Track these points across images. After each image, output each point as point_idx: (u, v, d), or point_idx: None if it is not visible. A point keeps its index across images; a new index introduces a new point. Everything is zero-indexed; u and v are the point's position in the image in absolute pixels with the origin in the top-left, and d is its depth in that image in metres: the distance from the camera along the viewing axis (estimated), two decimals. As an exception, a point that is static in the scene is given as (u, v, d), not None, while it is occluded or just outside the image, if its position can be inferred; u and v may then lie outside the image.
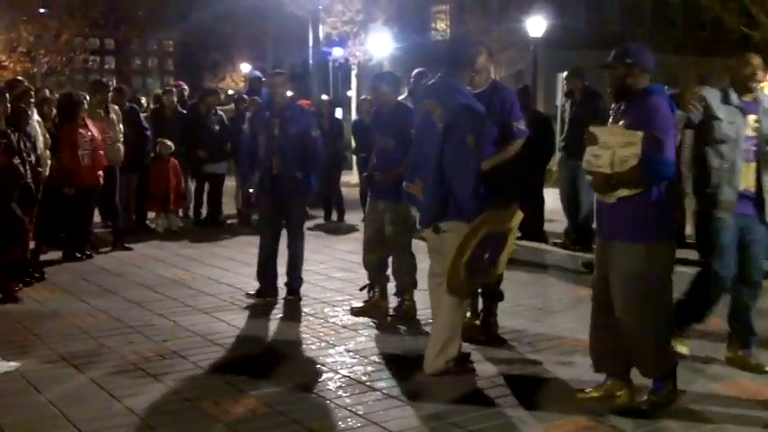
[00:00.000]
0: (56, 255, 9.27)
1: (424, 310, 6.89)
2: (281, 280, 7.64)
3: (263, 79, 13.53)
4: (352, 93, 22.73)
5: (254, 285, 7.74)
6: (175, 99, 12.14)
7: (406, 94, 10.73)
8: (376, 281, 7.06)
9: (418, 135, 5.58)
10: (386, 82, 6.90)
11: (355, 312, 6.98)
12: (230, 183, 12.63)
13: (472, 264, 5.10)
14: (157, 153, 11.33)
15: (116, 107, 10.37)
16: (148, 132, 11.10)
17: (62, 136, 8.89)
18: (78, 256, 9.26)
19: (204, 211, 12.10)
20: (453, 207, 5.26)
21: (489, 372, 5.49)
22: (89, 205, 9.46)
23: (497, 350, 5.94)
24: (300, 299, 7.50)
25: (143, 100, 12.82)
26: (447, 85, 5.41)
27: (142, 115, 11.43)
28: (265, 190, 7.52)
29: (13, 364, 5.52)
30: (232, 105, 13.31)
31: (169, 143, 11.31)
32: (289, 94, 9.68)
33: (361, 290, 7.15)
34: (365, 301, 7.06)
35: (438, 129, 5.25)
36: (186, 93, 13.29)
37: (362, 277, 7.22)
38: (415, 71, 9.88)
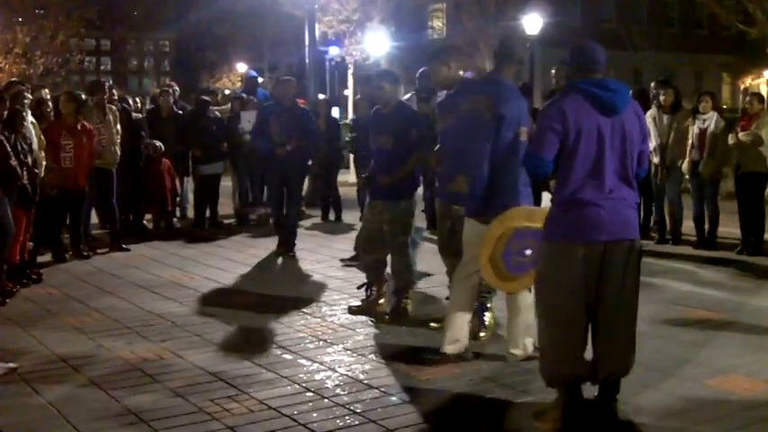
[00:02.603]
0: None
1: (422, 309, 6.91)
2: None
3: (261, 79, 13.57)
4: (348, 92, 22.72)
5: (253, 285, 7.81)
6: (171, 99, 12.12)
7: (411, 94, 10.73)
8: (374, 280, 7.07)
9: (458, 132, 5.67)
10: (388, 80, 6.91)
11: (353, 311, 6.98)
12: (226, 183, 12.62)
13: (509, 258, 5.18)
14: (148, 154, 11.28)
15: (113, 108, 10.36)
16: (142, 132, 11.09)
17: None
18: (66, 257, 9.25)
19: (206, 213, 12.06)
20: (499, 201, 5.36)
21: (486, 369, 5.49)
22: (76, 207, 9.40)
23: (494, 347, 5.95)
24: (293, 254, 9.55)
25: (131, 100, 12.72)
26: (496, 81, 5.56)
27: (137, 115, 11.41)
28: (275, 165, 9.56)
29: (10, 365, 5.52)
30: (228, 105, 13.31)
31: (157, 143, 11.23)
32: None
33: (359, 288, 7.16)
34: (363, 300, 7.07)
35: (487, 120, 5.36)
36: (177, 93, 13.27)
37: (359, 276, 7.23)
38: (421, 70, 9.89)
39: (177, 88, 13.45)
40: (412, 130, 6.63)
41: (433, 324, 6.49)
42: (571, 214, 4.48)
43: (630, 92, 4.60)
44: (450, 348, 5.60)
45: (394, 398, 4.98)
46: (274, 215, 10.09)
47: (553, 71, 10.69)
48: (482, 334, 6.14)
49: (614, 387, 4.65)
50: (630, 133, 4.50)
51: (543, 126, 4.51)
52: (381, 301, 7.05)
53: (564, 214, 4.51)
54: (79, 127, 9.12)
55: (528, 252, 5.22)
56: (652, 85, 10.59)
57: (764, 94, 34.74)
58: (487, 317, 6.26)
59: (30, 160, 7.75)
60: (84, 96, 9.59)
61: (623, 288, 4.51)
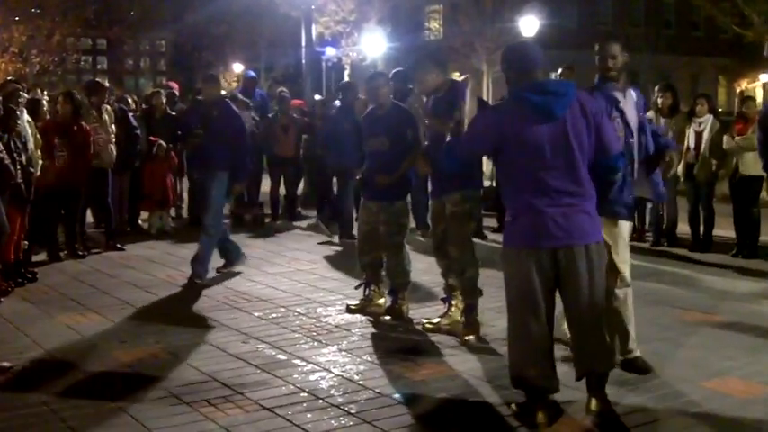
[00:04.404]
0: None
1: (417, 310, 6.91)
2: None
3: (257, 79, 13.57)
4: (345, 93, 22.72)
5: (248, 285, 7.83)
6: (164, 100, 12.09)
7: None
8: (372, 279, 7.08)
9: None
10: (385, 81, 6.98)
11: (351, 310, 6.99)
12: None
13: None
14: (153, 153, 11.31)
15: (109, 108, 10.36)
16: (138, 132, 11.08)
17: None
18: (61, 256, 9.24)
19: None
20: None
21: (480, 369, 5.50)
22: (72, 207, 9.40)
23: (489, 348, 5.95)
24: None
25: (129, 100, 12.71)
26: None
27: (131, 115, 11.40)
28: None
29: (5, 364, 5.50)
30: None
31: (163, 143, 11.32)
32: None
33: (357, 288, 7.16)
34: (361, 299, 7.08)
35: None
36: (177, 95, 13.26)
37: (355, 277, 7.22)
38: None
39: (176, 88, 13.45)
40: (407, 131, 6.68)
41: (428, 324, 6.49)
42: (518, 222, 4.51)
43: (575, 90, 4.47)
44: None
45: (388, 399, 4.98)
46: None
47: (559, 71, 10.78)
48: (468, 337, 6.14)
49: (596, 384, 4.57)
50: (578, 136, 4.39)
51: (475, 123, 4.64)
52: (380, 301, 7.06)
53: (512, 222, 4.55)
54: (75, 127, 9.13)
55: None
56: (656, 88, 10.56)
57: (760, 97, 34.81)
58: (474, 318, 6.25)
59: (24, 159, 7.74)
60: (81, 98, 9.58)
61: (585, 292, 4.45)
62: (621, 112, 5.32)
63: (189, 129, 8.74)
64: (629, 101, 5.42)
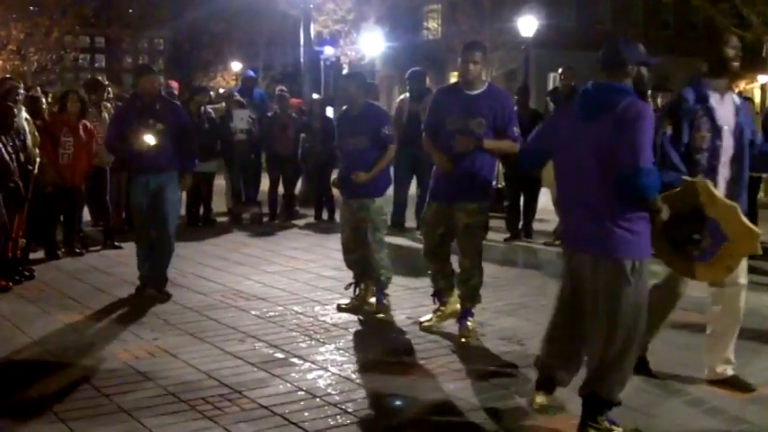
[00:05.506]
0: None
1: (415, 309, 6.91)
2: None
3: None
4: (343, 92, 22.76)
5: (246, 284, 7.83)
6: None
7: (405, 95, 10.73)
8: (361, 279, 7.09)
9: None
10: (354, 82, 7.03)
11: (342, 309, 7.01)
12: (220, 182, 12.60)
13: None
14: None
15: (108, 105, 10.35)
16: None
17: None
18: (59, 254, 9.23)
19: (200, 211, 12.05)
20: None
21: (478, 369, 5.50)
22: (72, 205, 9.41)
23: (486, 348, 5.95)
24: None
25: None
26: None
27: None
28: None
29: (2, 363, 5.51)
30: (223, 104, 13.30)
31: None
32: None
33: (347, 288, 7.17)
34: (352, 298, 7.08)
35: None
36: (176, 94, 13.25)
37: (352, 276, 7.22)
38: (411, 71, 9.85)
39: (174, 87, 13.43)
40: (382, 129, 6.78)
41: (425, 323, 6.48)
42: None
43: (623, 91, 4.23)
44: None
45: (386, 397, 4.97)
46: None
47: (560, 71, 10.80)
48: (463, 339, 6.13)
49: (589, 404, 4.38)
50: (608, 140, 4.10)
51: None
52: (372, 299, 7.06)
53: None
54: (81, 126, 9.15)
55: (695, 236, 4.77)
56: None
57: (758, 98, 34.79)
58: (470, 322, 6.24)
59: (22, 157, 7.73)
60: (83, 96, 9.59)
61: (596, 303, 4.26)
62: (709, 111, 5.04)
63: (122, 133, 7.40)
64: (726, 103, 5.16)
